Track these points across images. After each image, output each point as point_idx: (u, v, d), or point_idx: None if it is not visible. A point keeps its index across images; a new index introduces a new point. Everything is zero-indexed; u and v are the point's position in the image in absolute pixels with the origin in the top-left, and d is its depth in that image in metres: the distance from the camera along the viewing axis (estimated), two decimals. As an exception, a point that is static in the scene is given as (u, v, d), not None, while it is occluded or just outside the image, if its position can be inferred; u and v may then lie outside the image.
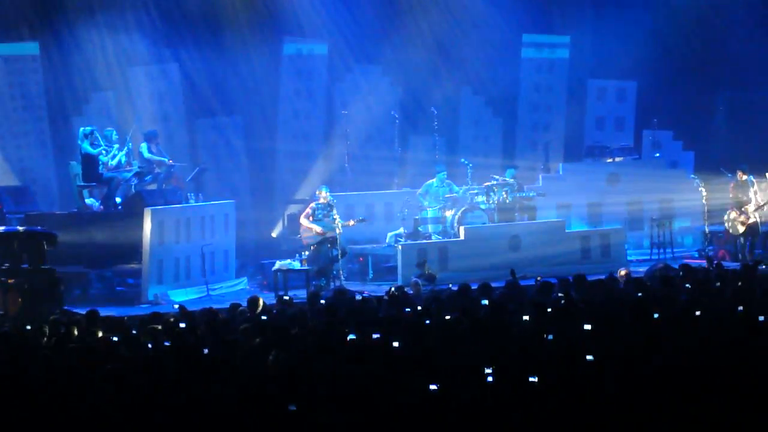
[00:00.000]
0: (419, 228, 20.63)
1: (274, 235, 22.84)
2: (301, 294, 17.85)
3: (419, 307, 13.31)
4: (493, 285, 14.87)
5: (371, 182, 23.33)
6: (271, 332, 11.10)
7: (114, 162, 19.62)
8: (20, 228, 17.96)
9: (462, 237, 20.05)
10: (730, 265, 18.57)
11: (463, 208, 20.69)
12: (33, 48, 23.72)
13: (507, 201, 20.81)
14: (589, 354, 9.55)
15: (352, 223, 19.54)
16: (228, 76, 24.15)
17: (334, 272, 19.30)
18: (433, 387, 8.69)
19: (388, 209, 22.26)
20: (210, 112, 24.55)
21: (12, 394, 9.15)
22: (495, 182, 20.94)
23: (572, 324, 11.12)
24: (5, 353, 10.94)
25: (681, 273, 15.50)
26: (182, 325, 12.32)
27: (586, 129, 25.92)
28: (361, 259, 20.72)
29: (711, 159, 24.31)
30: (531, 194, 21.48)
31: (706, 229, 22.15)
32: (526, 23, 25.58)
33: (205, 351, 10.50)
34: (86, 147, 19.46)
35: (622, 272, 16.31)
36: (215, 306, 15.17)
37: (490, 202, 20.77)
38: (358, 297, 15.33)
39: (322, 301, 14.31)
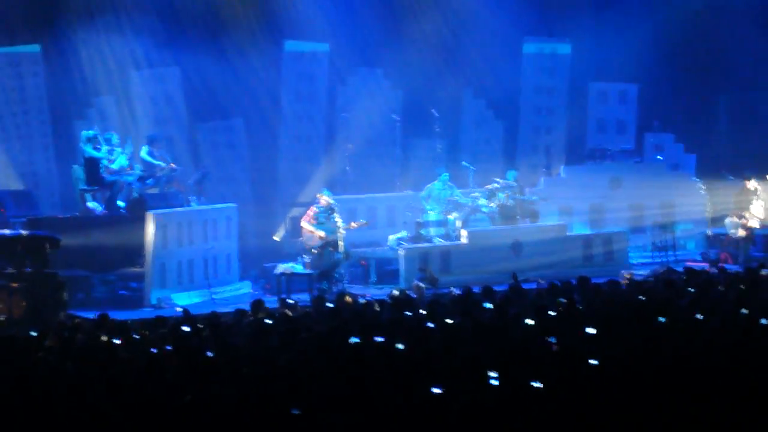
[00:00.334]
0: (421, 231, 20.63)
1: (276, 238, 22.83)
2: (305, 297, 17.83)
3: (422, 311, 13.29)
4: (496, 288, 14.88)
5: (373, 185, 23.33)
6: (277, 335, 11.10)
7: (116, 165, 19.64)
8: (23, 232, 17.94)
9: (465, 240, 20.06)
10: (732, 268, 18.58)
11: (465, 211, 20.70)
12: (35, 51, 23.76)
13: (508, 204, 20.82)
14: (592, 358, 9.55)
15: (355, 225, 19.50)
16: (229, 79, 24.13)
17: (337, 275, 19.30)
18: (436, 390, 8.69)
19: (390, 212, 22.26)
20: (211, 116, 24.57)
21: (17, 397, 9.15)
22: (497, 185, 20.94)
23: (575, 327, 11.12)
24: (10, 357, 10.94)
25: (684, 276, 15.50)
26: (185, 328, 12.34)
27: (588, 132, 25.90)
28: (363, 262, 20.67)
29: (713, 162, 24.32)
30: (533, 198, 21.49)
31: (709, 232, 22.16)
32: (528, 26, 25.58)
33: (209, 354, 10.50)
34: (89, 150, 19.49)
35: (626, 275, 16.31)
36: (218, 310, 15.16)
37: (492, 204, 20.78)
38: (362, 300, 15.31)
39: (328, 304, 14.29)
